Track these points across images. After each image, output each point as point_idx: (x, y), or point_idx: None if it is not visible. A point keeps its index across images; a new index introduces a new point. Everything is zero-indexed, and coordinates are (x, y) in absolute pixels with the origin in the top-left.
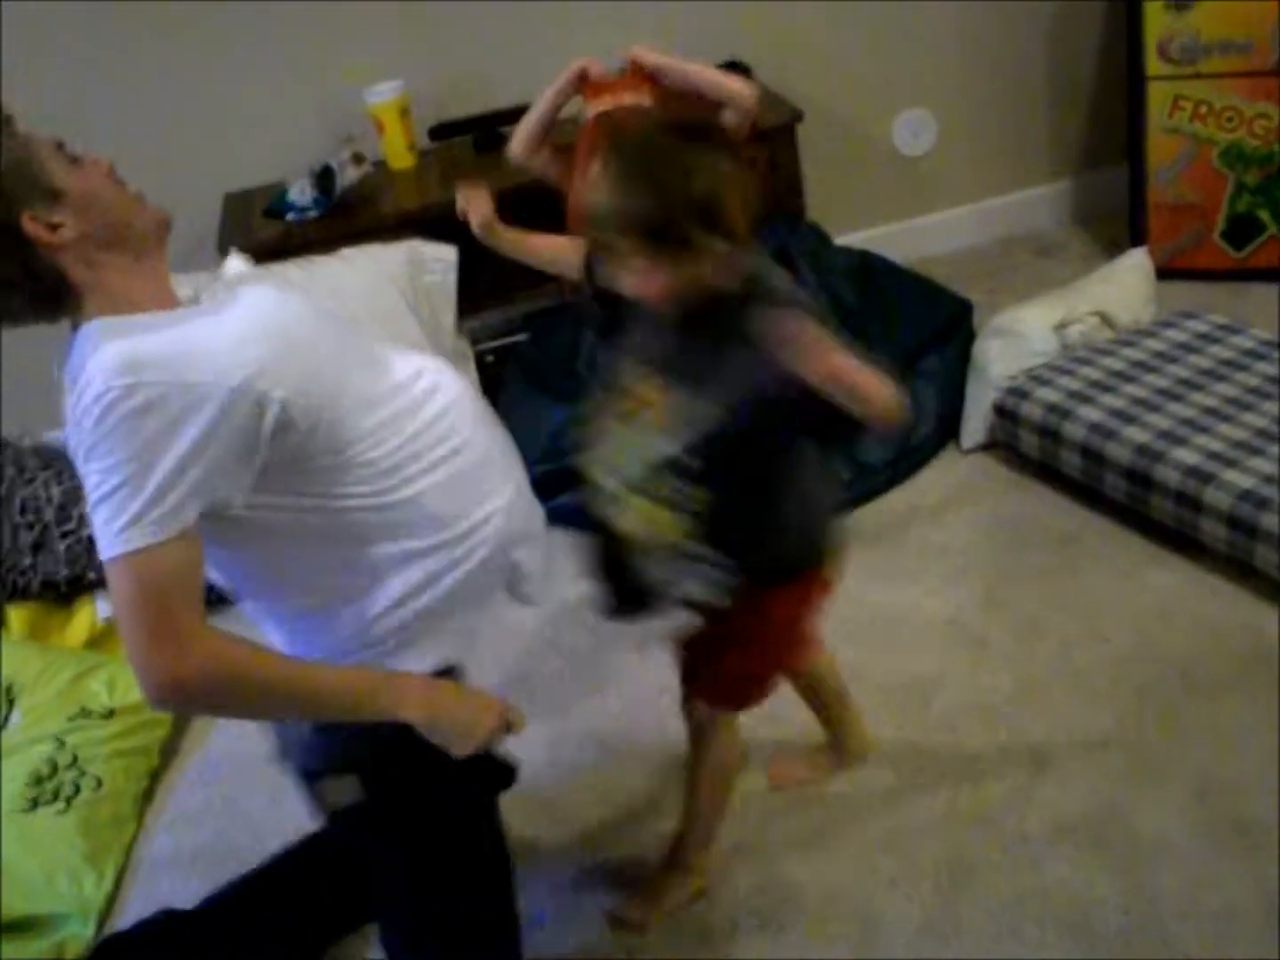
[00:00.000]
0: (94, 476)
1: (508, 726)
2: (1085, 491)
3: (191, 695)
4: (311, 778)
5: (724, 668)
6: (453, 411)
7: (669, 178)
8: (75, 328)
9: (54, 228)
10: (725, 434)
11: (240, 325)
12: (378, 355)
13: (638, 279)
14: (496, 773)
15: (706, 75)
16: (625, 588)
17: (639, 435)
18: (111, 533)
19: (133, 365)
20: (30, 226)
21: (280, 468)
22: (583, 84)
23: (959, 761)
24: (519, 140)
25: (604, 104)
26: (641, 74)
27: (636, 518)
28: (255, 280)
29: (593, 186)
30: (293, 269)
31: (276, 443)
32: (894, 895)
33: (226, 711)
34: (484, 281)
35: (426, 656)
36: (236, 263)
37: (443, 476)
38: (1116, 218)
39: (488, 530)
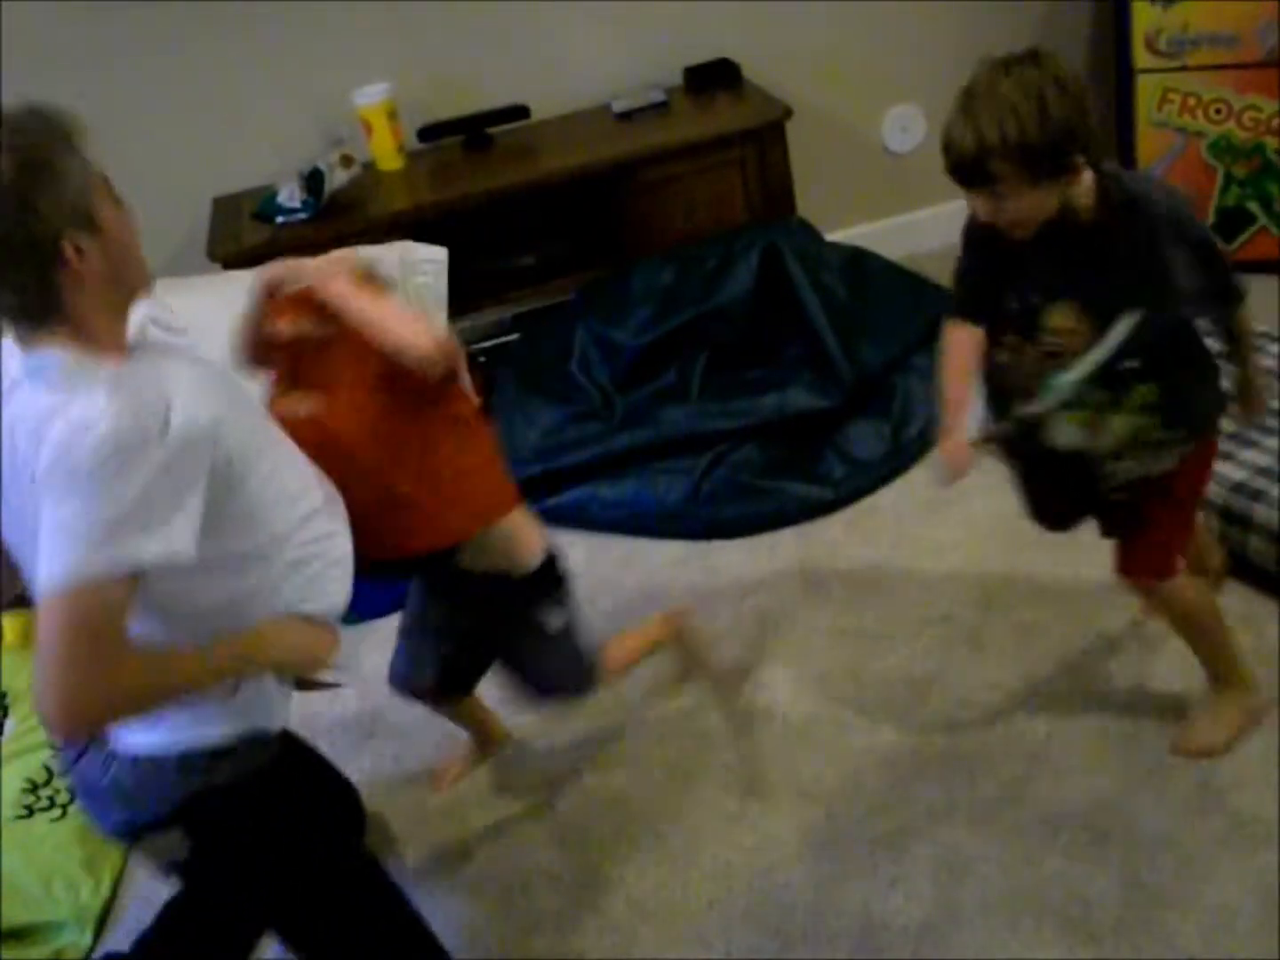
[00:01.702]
0: (65, 507)
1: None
2: None
3: (100, 721)
4: (134, 834)
5: (1157, 536)
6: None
7: (1048, 107)
8: (26, 345)
9: (80, 253)
10: (1149, 332)
11: (198, 375)
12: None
13: (1025, 206)
14: (340, 814)
15: (375, 323)
16: (1067, 501)
17: (1064, 361)
18: (72, 560)
19: (130, 412)
20: (65, 246)
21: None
22: (269, 299)
23: (956, 759)
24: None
25: (284, 324)
26: (312, 302)
27: (1079, 431)
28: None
29: (959, 127)
30: None
31: (216, 491)
32: (893, 894)
33: (122, 723)
34: (475, 283)
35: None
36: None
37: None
38: None
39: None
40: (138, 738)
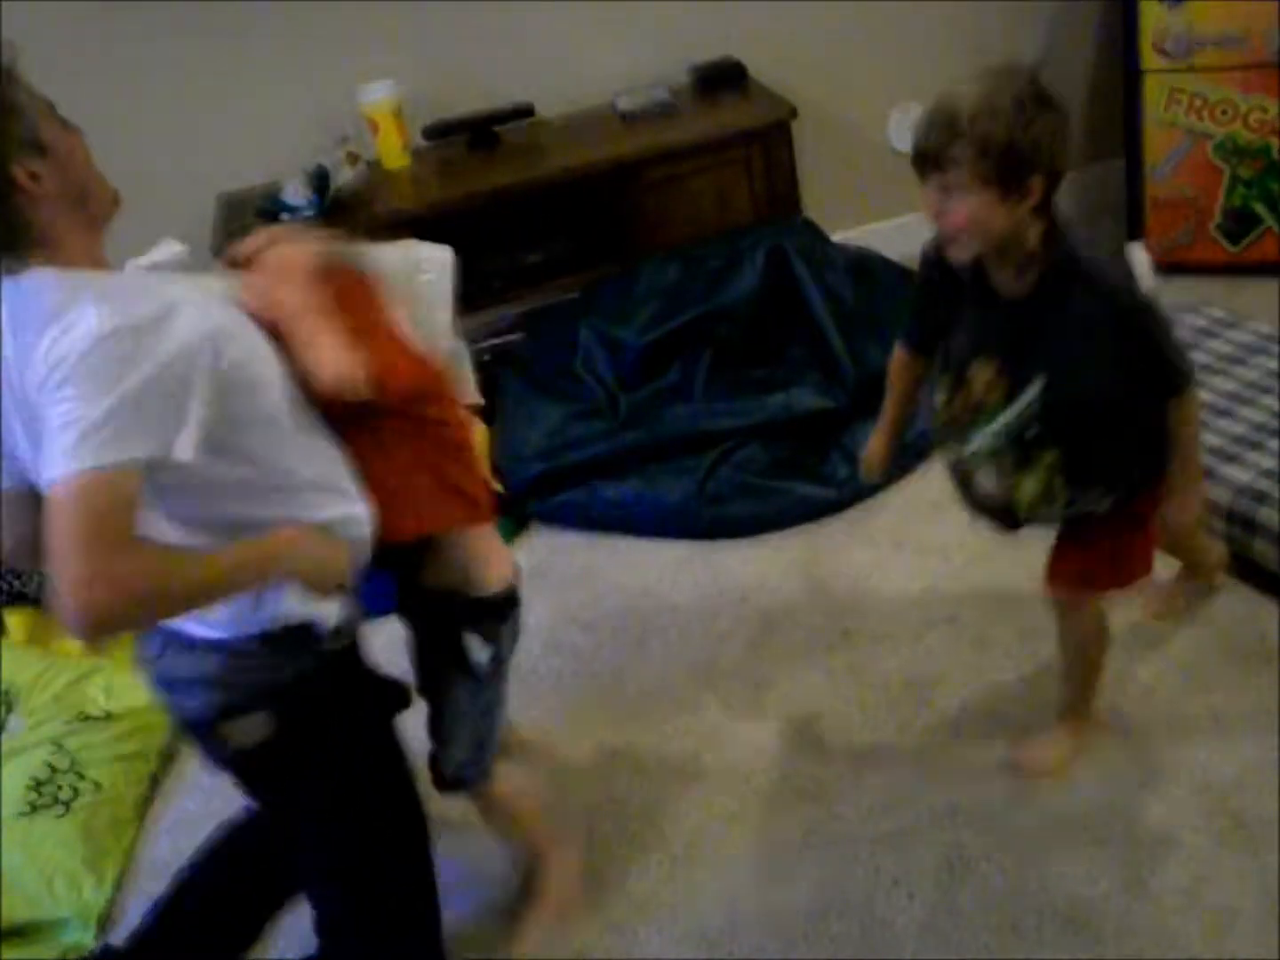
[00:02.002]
0: (68, 404)
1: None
2: None
3: (120, 616)
4: (214, 721)
5: (1090, 556)
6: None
7: (1026, 116)
8: (10, 273)
9: (35, 177)
10: (1056, 405)
11: (199, 293)
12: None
13: (969, 209)
14: (394, 694)
15: (300, 340)
16: (1004, 521)
17: (983, 414)
18: (84, 449)
19: (124, 313)
20: (18, 172)
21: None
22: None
23: (960, 760)
24: None
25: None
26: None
27: (995, 482)
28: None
29: (937, 109)
30: None
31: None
32: (896, 894)
33: (145, 624)
34: (480, 281)
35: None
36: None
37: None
38: (1113, 212)
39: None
40: (214, 632)
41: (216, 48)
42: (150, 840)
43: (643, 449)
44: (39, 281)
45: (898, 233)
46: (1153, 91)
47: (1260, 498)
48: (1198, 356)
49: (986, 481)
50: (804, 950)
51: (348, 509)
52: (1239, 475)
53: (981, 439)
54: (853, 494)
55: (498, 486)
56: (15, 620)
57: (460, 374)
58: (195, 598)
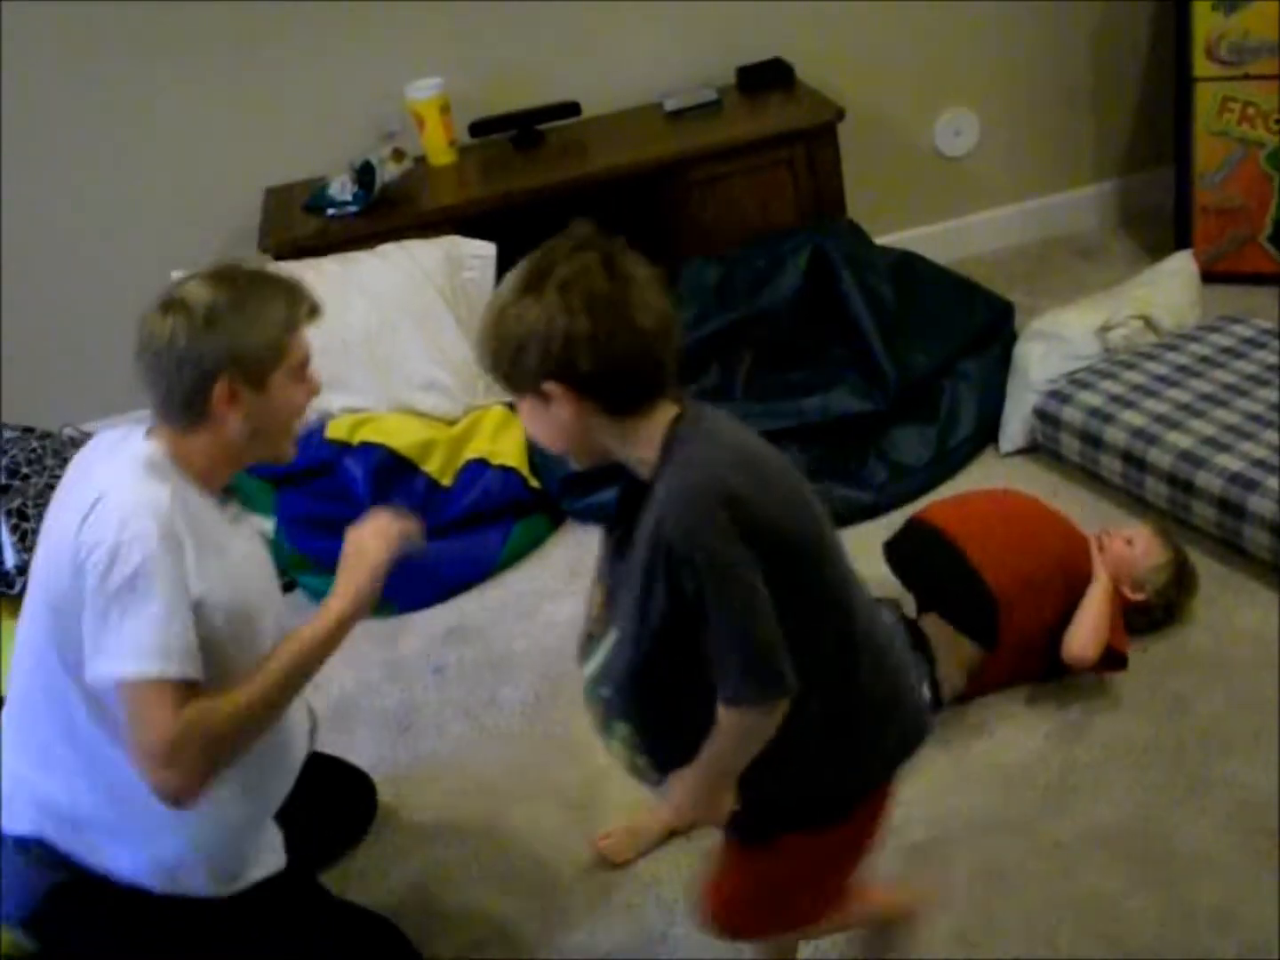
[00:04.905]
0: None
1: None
2: (1126, 497)
3: (196, 777)
4: None
5: (720, 882)
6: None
7: (496, 318)
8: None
9: (235, 397)
10: (627, 662)
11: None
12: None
13: (525, 421)
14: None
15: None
16: None
17: (594, 644)
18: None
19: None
20: (220, 389)
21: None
22: None
23: (994, 769)
24: None
25: None
26: None
27: (596, 727)
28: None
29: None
30: (330, 264)
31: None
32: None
33: (236, 756)
34: None
35: None
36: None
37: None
38: (1161, 220)
39: None
40: None
41: (267, 43)
42: None
43: None
44: (138, 447)
45: (942, 237)
46: (1204, 99)
47: (1251, 486)
48: (1244, 366)
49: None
50: (833, 954)
51: None
52: (1232, 463)
53: (588, 671)
54: (890, 499)
55: (534, 483)
56: None
57: None
58: (270, 712)
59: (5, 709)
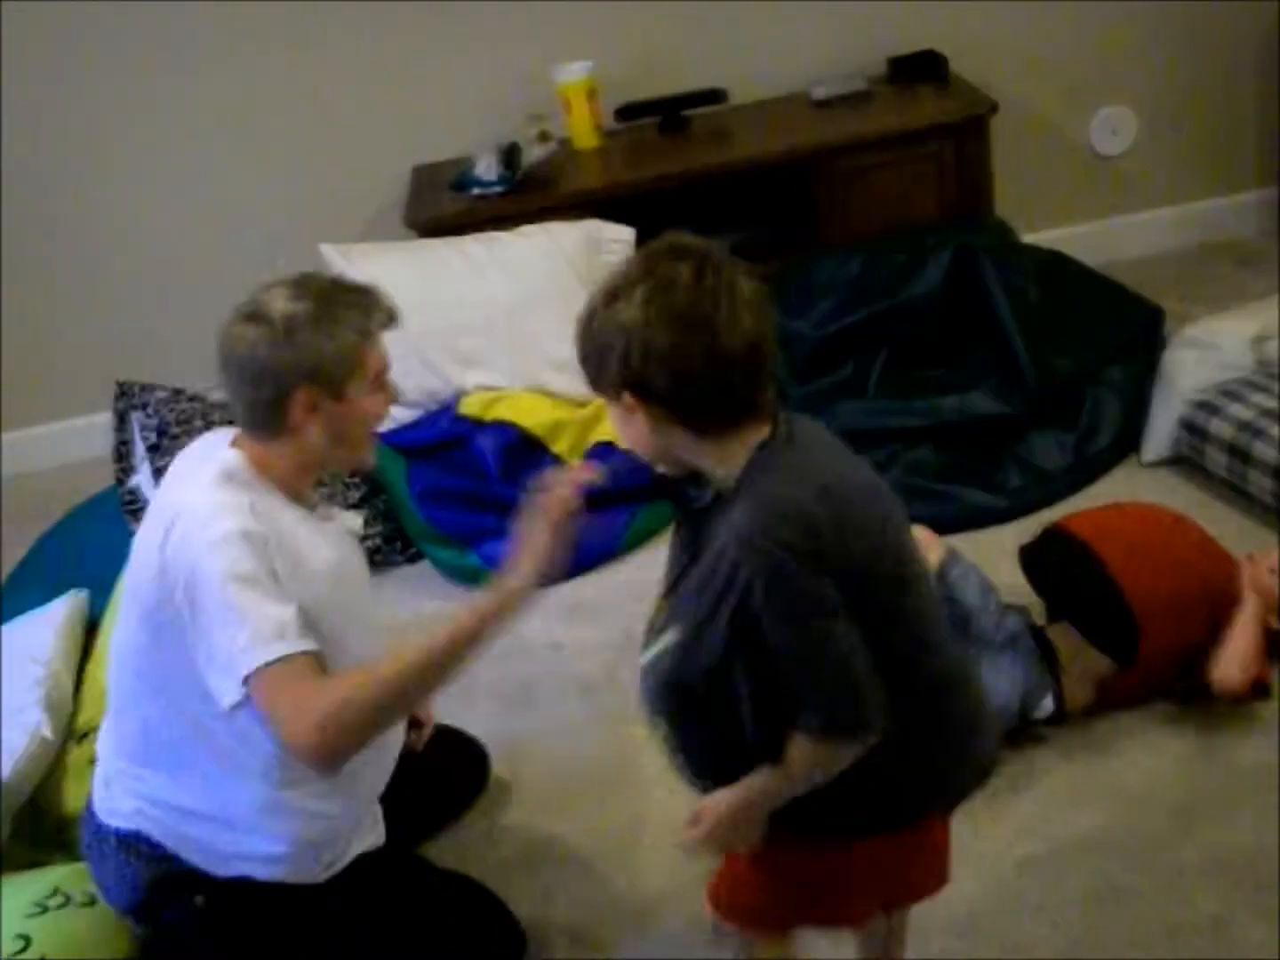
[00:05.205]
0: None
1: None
2: (1275, 516)
3: (338, 745)
4: None
5: (724, 870)
6: None
7: (587, 321)
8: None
9: (314, 408)
10: (671, 668)
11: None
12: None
13: (612, 423)
14: None
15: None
16: None
17: (651, 635)
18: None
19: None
20: (299, 398)
21: None
22: None
23: (1116, 787)
24: None
25: None
26: None
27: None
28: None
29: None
30: (471, 243)
31: None
32: (1039, 920)
33: (378, 733)
34: None
35: None
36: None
37: None
38: None
39: None
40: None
41: (418, 23)
42: None
43: None
44: (223, 455)
45: (1093, 238)
46: None
47: (1257, 433)
48: None
49: None
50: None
51: None
52: (1242, 413)
53: (643, 660)
54: (1024, 504)
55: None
56: None
57: None
58: (411, 696)
59: (109, 707)
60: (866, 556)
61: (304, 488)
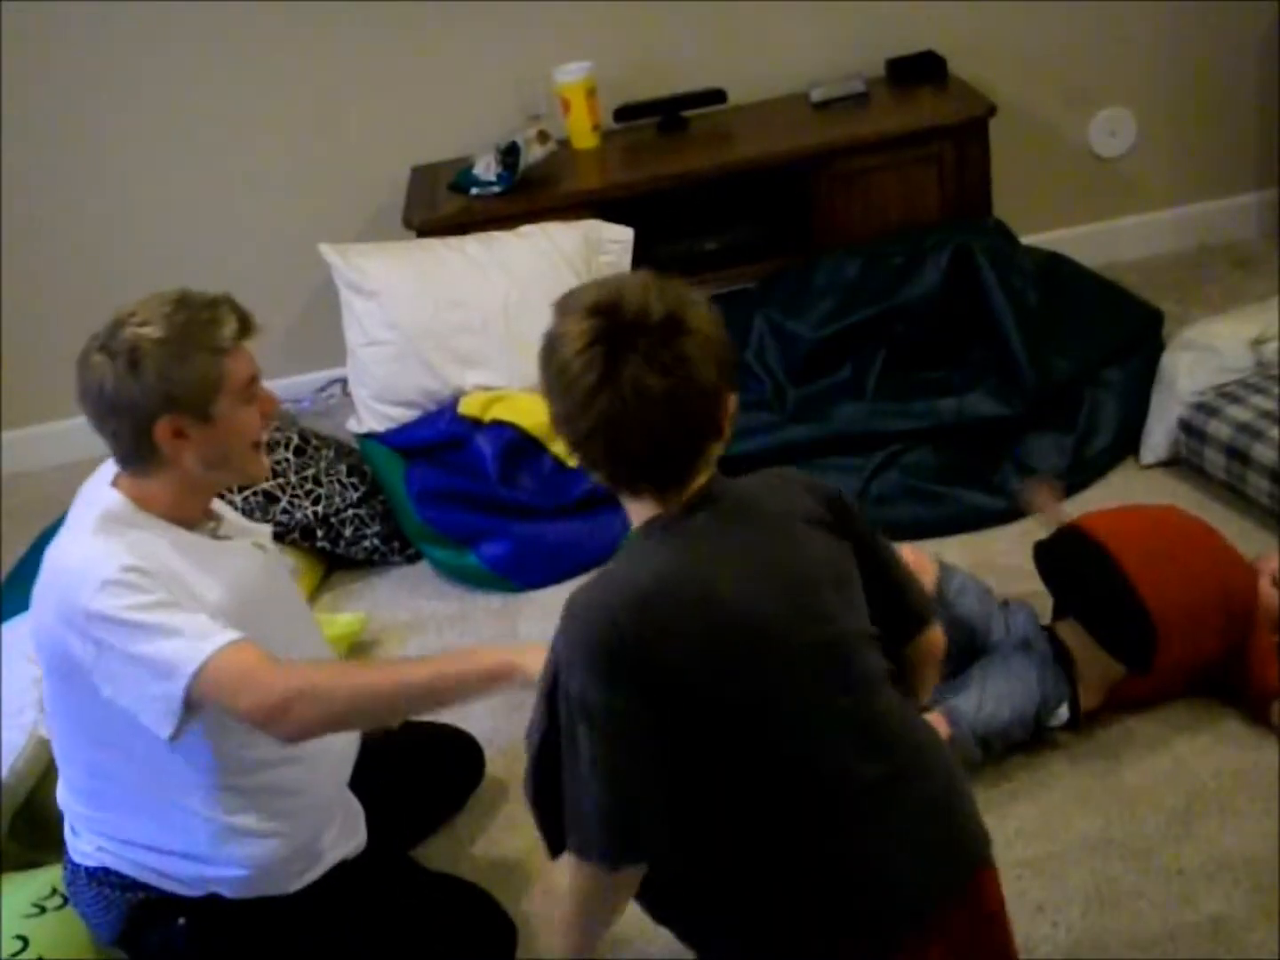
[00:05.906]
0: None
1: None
2: (1273, 518)
3: (293, 717)
4: None
5: None
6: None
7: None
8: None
9: (181, 434)
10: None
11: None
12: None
13: None
14: None
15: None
16: None
17: None
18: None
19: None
20: (161, 428)
21: None
22: None
23: (1118, 788)
24: None
25: None
26: None
27: None
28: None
29: None
30: (470, 243)
31: None
32: (1040, 920)
33: (342, 724)
34: (658, 265)
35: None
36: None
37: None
38: None
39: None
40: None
41: (416, 23)
42: None
43: (808, 445)
44: (103, 496)
45: (1092, 239)
46: None
47: (1257, 435)
48: None
49: None
50: None
51: None
52: (1241, 414)
53: None
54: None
55: None
56: None
57: None
58: (381, 706)
59: (55, 754)
60: (698, 677)
61: (194, 514)
